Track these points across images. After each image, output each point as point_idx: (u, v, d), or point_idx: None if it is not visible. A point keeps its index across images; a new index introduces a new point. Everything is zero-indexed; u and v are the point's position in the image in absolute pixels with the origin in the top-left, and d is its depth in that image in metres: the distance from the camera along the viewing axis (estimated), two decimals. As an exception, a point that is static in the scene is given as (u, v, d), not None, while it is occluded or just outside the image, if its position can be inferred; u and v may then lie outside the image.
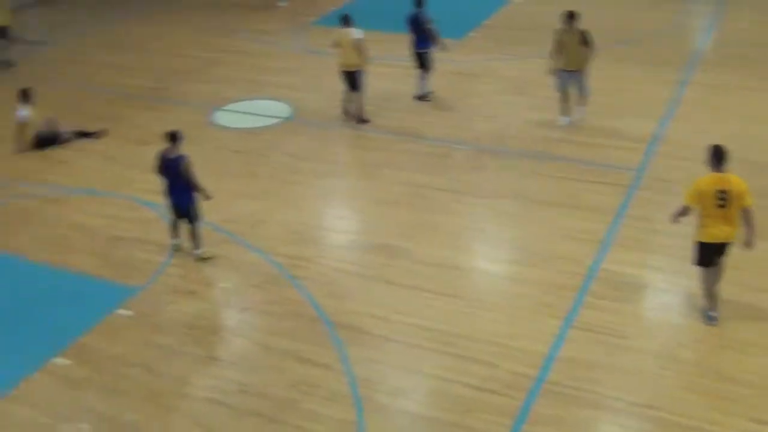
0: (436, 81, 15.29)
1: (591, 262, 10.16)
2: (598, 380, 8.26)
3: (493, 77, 16.41)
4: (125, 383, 8.53)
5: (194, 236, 10.54)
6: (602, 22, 17.61)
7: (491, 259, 10.57)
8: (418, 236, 10.93)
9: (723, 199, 8.47)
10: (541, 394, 8.12)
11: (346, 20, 14.11)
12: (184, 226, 10.60)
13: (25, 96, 13.95)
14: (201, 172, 10.41)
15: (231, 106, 15.52)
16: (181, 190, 10.32)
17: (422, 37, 14.72)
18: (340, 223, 11.54)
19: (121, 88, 16.71)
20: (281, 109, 15.28)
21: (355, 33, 13.94)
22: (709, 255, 8.84)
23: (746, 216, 8.59)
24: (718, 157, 8.54)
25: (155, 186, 10.79)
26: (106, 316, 9.58)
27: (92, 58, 18.71)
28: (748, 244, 8.74)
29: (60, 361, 8.88)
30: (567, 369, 8.43)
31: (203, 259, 10.55)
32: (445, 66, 15.23)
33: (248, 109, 15.37)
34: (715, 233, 8.66)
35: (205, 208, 10.57)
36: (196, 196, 10.37)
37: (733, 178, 8.51)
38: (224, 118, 15.05)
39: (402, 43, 15.31)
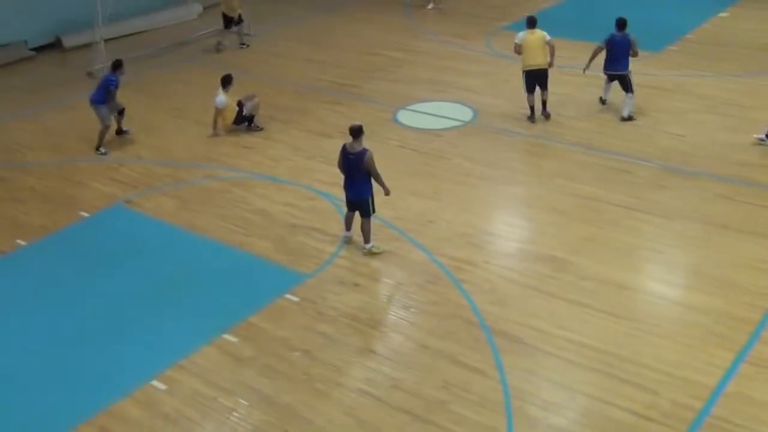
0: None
1: (774, 296, 9.54)
2: (768, 421, 7.77)
3: (687, 94, 15.67)
4: (285, 366, 8.86)
5: (365, 231, 10.76)
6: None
7: (663, 281, 10.12)
8: (587, 251, 10.64)
9: None
10: (703, 428, 7.71)
11: (532, 22, 14.27)
12: (356, 220, 10.86)
13: (225, 82, 14.64)
14: (378, 168, 10.57)
15: (414, 106, 15.71)
16: (359, 185, 10.57)
17: (624, 59, 14.26)
18: (508, 230, 11.42)
19: (310, 82, 17.33)
20: (464, 112, 15.30)
21: (545, 34, 14.11)
22: None
23: None
24: None
25: (334, 178, 11.11)
26: (275, 300, 9.97)
27: (286, 51, 19.49)
28: None
29: (228, 337, 9.33)
30: (735, 405, 7.96)
31: (372, 254, 10.76)
32: (637, 79, 14.67)
33: (431, 110, 15.50)
34: None
35: (378, 204, 10.77)
36: (373, 191, 10.58)
37: None
38: (407, 117, 15.26)
39: (586, 51, 14.85)
